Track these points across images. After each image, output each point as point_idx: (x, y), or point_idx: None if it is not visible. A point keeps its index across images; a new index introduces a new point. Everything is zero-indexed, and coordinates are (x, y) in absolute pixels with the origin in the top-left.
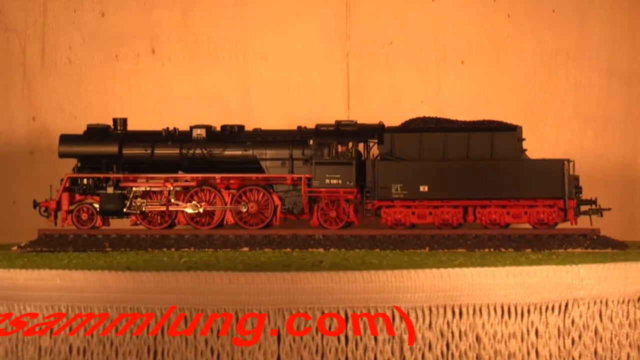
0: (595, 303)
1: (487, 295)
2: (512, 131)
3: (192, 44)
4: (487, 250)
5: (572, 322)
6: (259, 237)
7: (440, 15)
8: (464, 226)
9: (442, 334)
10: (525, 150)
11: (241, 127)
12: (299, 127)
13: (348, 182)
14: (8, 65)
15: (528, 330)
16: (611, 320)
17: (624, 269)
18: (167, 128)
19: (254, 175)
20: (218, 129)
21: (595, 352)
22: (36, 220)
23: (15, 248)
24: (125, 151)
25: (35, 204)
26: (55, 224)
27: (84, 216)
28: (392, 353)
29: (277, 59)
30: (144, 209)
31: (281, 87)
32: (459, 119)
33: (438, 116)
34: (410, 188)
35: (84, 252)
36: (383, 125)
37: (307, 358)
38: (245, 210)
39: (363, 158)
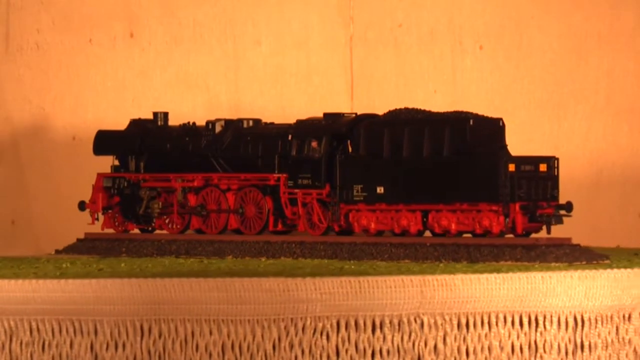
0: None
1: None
2: (462, 123)
3: (175, 26)
4: (430, 262)
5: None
6: (249, 243)
7: None
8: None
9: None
10: (506, 145)
11: (257, 121)
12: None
13: (317, 182)
14: None
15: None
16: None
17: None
18: (188, 122)
19: (242, 175)
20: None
21: None
22: None
23: (52, 253)
24: (146, 149)
25: (82, 206)
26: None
27: (119, 219)
28: None
29: (271, 44)
30: (157, 212)
31: (276, 75)
32: (476, 111)
33: (455, 108)
34: (369, 190)
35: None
36: (361, 118)
37: None
38: (240, 212)
39: (319, 154)
